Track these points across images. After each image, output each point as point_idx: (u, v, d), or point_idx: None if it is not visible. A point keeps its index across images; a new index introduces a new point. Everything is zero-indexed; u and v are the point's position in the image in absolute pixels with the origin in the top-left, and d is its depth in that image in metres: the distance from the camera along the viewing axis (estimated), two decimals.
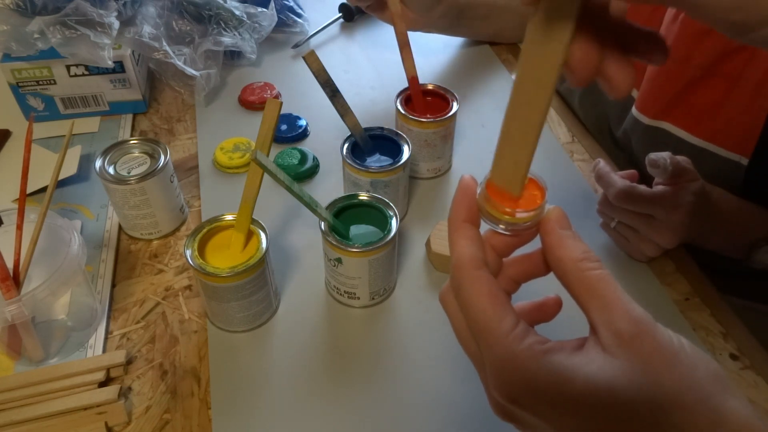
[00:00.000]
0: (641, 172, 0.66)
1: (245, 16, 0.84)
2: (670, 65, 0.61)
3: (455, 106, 0.67)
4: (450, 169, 0.73)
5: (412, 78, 0.67)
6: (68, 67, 0.74)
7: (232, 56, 0.87)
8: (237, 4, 0.84)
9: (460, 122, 0.78)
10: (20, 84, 0.75)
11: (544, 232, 0.33)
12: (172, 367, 0.53)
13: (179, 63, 0.77)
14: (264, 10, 0.86)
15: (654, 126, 0.66)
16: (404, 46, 0.67)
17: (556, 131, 0.79)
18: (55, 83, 0.75)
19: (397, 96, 0.68)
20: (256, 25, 0.85)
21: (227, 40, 0.81)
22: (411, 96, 0.68)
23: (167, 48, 0.77)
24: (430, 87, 0.70)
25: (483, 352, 0.31)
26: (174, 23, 0.80)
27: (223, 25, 0.82)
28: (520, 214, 0.33)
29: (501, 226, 0.33)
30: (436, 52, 0.92)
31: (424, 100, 0.69)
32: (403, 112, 0.66)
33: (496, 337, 0.30)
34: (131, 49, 0.76)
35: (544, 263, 0.34)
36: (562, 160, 0.74)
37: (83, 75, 0.75)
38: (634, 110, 0.68)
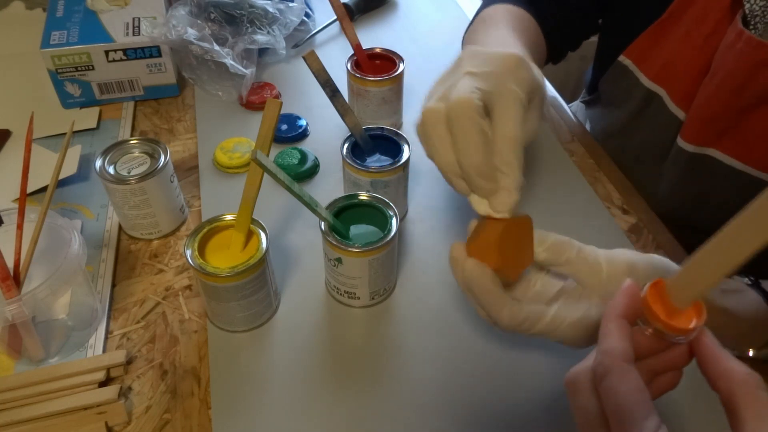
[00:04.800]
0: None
1: (277, 12, 0.84)
2: (724, 95, 0.58)
3: (401, 66, 0.73)
4: (403, 124, 0.79)
5: (356, 45, 0.73)
6: (107, 53, 0.75)
7: (260, 53, 0.87)
8: (268, 1, 0.84)
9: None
10: (59, 70, 0.75)
11: (704, 344, 0.34)
12: (172, 367, 0.53)
13: (230, 62, 0.78)
14: (292, 4, 0.86)
15: (700, 154, 0.63)
16: (343, 18, 0.73)
17: (557, 130, 0.79)
18: (93, 69, 0.77)
19: (347, 62, 0.73)
20: (287, 20, 0.85)
21: (261, 38, 0.81)
22: (359, 62, 0.74)
23: (218, 48, 0.78)
24: (377, 50, 0.76)
25: None
26: (205, 25, 0.80)
27: (257, 23, 0.82)
28: (685, 326, 0.34)
29: (672, 334, 0.35)
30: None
31: (373, 63, 0.75)
32: (358, 76, 0.72)
33: (640, 431, 0.31)
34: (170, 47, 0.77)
35: (687, 356, 0.36)
36: (562, 159, 0.75)
37: (121, 60, 0.77)
38: (679, 140, 0.65)
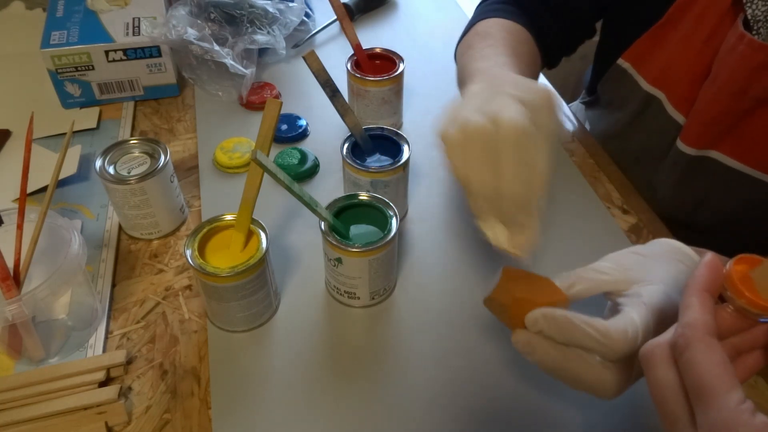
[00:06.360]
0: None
1: (277, 12, 0.84)
2: (725, 98, 0.58)
3: (401, 66, 0.73)
4: (403, 124, 0.79)
5: (356, 45, 0.74)
6: (107, 53, 0.76)
7: (260, 53, 0.87)
8: (268, 1, 0.84)
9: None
10: (59, 70, 0.76)
11: None
12: (172, 367, 0.53)
13: (230, 62, 0.78)
14: (292, 4, 0.86)
15: (701, 156, 0.63)
16: (343, 18, 0.73)
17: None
18: (93, 69, 0.77)
19: (347, 62, 0.73)
20: (287, 20, 0.85)
21: (261, 38, 0.81)
22: (359, 62, 0.74)
23: (218, 48, 0.78)
24: (377, 50, 0.76)
25: (700, 416, 0.31)
26: (206, 25, 0.80)
27: (257, 23, 0.82)
28: None
29: (756, 311, 0.33)
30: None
31: (373, 63, 0.75)
32: (358, 76, 0.72)
33: (723, 404, 0.29)
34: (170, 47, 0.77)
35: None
36: (562, 159, 0.74)
37: (121, 60, 0.77)
38: (679, 143, 0.65)
